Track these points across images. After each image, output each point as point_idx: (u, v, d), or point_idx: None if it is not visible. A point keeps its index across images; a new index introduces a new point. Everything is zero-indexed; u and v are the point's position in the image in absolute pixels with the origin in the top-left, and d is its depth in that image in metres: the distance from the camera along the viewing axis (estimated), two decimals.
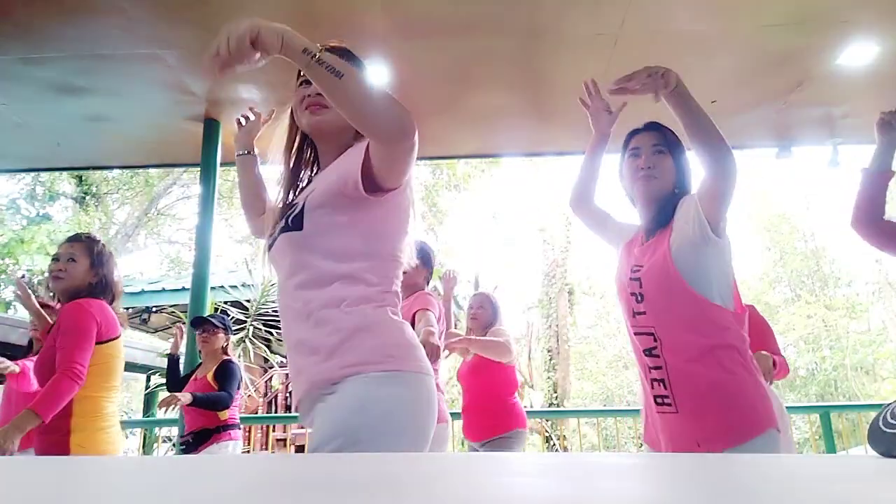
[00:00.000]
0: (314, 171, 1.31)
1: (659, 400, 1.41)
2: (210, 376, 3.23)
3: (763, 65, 3.39)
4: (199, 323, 3.39)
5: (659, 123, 1.58)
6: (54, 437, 1.98)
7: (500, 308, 3.10)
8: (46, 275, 2.27)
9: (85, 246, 2.20)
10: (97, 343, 2.06)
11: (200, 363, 3.43)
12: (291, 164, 1.30)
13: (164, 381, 6.29)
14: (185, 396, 3.02)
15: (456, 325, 3.52)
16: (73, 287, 2.15)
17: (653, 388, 1.43)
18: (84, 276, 2.16)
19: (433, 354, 2.02)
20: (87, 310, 2.08)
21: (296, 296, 1.14)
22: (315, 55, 1.05)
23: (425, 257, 2.61)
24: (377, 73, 3.32)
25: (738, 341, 1.38)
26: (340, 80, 1.03)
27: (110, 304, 2.19)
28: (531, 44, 3.22)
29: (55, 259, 2.18)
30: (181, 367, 3.53)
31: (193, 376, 3.35)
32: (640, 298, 1.45)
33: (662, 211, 1.50)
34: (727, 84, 3.55)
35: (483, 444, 2.86)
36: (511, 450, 2.82)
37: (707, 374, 1.35)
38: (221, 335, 3.37)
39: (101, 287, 2.18)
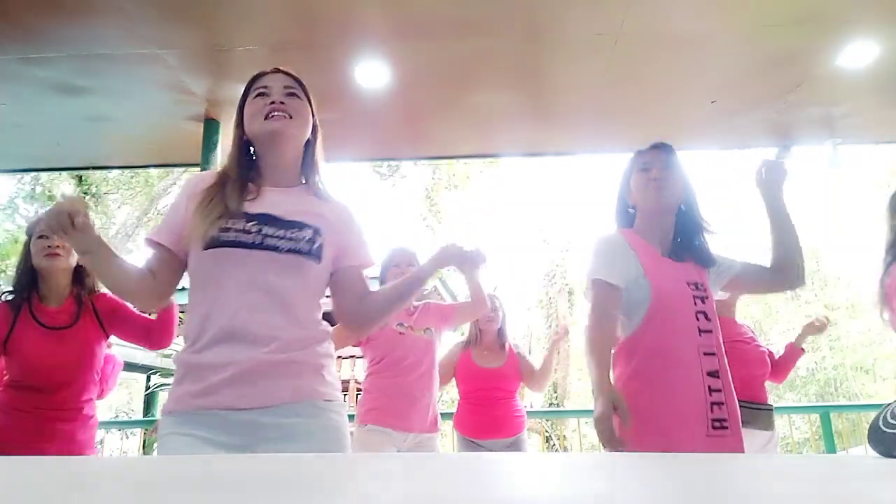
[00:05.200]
0: (257, 181, 1.36)
1: (717, 423, 1.44)
2: None
3: (763, 65, 3.39)
4: None
5: (666, 143, 1.67)
6: (92, 431, 2.02)
7: (505, 310, 3.16)
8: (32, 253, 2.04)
9: None
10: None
11: None
12: (237, 171, 1.33)
13: (164, 381, 6.31)
14: None
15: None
16: (69, 266, 2.01)
17: (712, 411, 1.44)
18: (73, 257, 2.02)
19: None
20: None
21: (298, 320, 1.25)
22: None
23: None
24: (377, 73, 3.31)
25: None
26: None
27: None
28: (531, 44, 3.21)
29: (44, 236, 1.99)
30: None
31: None
32: (710, 317, 1.51)
33: (702, 241, 1.63)
34: (727, 84, 3.55)
35: (511, 440, 2.90)
36: (524, 449, 2.96)
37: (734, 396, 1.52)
38: None
39: (85, 271, 2.06)
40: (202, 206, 1.25)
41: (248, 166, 1.35)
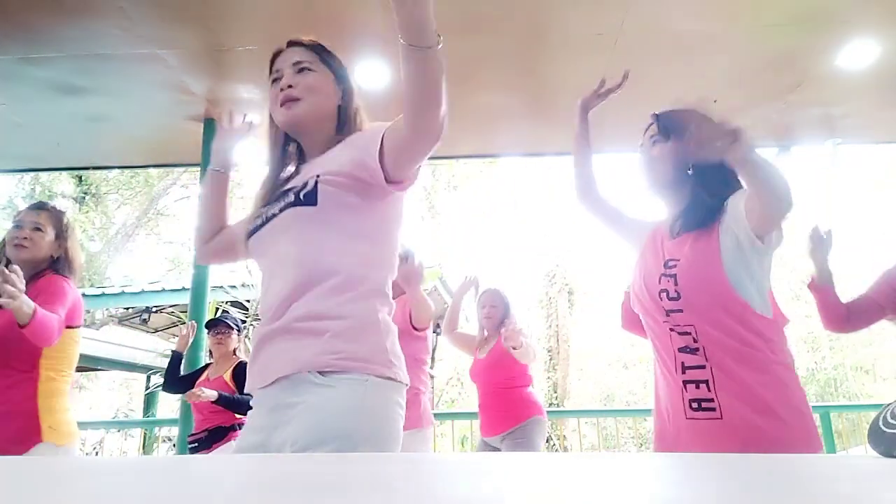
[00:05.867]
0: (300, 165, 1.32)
1: (695, 404, 1.31)
2: (228, 376, 3.21)
3: (763, 65, 3.39)
4: (213, 325, 3.38)
5: (656, 114, 1.55)
6: (24, 422, 1.88)
7: (510, 304, 3.11)
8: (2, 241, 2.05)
9: (51, 216, 2.07)
10: (66, 326, 1.95)
11: (208, 364, 3.43)
12: (275, 164, 1.31)
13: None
14: (210, 393, 2.97)
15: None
16: (36, 258, 1.99)
17: (686, 390, 1.32)
18: (49, 247, 2.03)
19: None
20: (70, 285, 2.00)
21: (300, 274, 1.11)
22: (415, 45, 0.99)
23: (411, 259, 2.70)
24: (377, 73, 3.32)
25: (782, 352, 1.33)
26: (430, 52, 0.99)
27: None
28: (531, 44, 3.22)
29: (17, 226, 2.01)
30: (182, 366, 3.52)
31: (205, 377, 3.31)
32: (673, 295, 1.37)
33: (694, 204, 1.41)
34: (727, 84, 3.55)
35: (502, 437, 2.86)
36: (530, 438, 2.82)
37: (756, 382, 1.28)
38: (234, 336, 3.37)
39: (64, 262, 2.05)
40: None
41: (286, 150, 1.33)
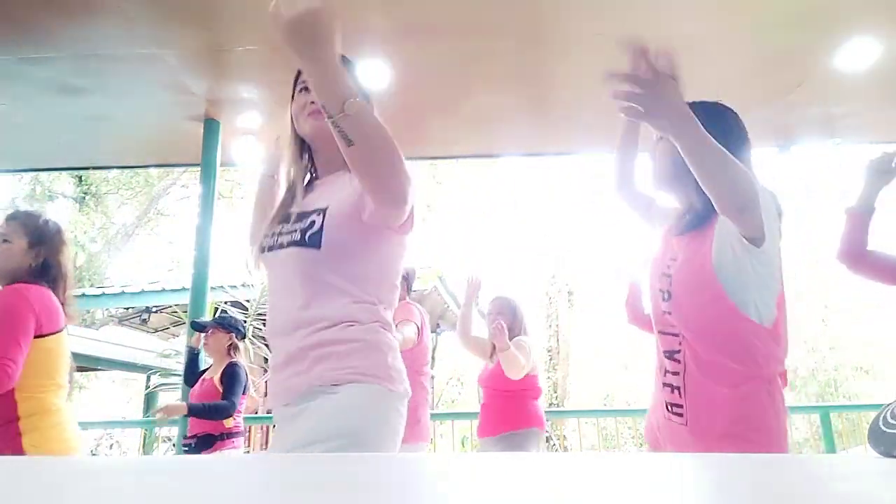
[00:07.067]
0: (314, 176, 1.35)
1: (670, 407, 1.34)
2: (217, 379, 3.19)
3: (763, 65, 3.39)
4: (195, 328, 3.38)
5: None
6: (4, 444, 1.79)
7: (520, 312, 3.05)
8: None
9: (20, 224, 1.97)
10: (35, 336, 1.82)
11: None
12: (295, 171, 1.33)
13: (164, 381, 6.31)
14: (179, 408, 2.99)
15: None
16: (9, 270, 1.91)
17: (664, 392, 1.35)
18: (22, 257, 1.93)
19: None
20: (23, 296, 1.84)
21: (306, 311, 1.18)
22: (332, 116, 1.01)
23: (407, 268, 2.68)
24: (377, 73, 3.32)
25: (768, 364, 1.27)
26: (349, 148, 1.03)
27: (57, 291, 1.95)
28: (531, 44, 3.21)
29: None
30: (200, 361, 3.53)
31: (203, 377, 3.33)
32: (666, 296, 1.35)
33: (696, 204, 1.37)
34: (727, 84, 3.54)
35: (497, 438, 2.85)
36: (524, 447, 2.81)
37: (726, 398, 1.25)
38: (221, 335, 3.32)
39: (45, 269, 1.94)
40: None
41: (309, 160, 1.35)
